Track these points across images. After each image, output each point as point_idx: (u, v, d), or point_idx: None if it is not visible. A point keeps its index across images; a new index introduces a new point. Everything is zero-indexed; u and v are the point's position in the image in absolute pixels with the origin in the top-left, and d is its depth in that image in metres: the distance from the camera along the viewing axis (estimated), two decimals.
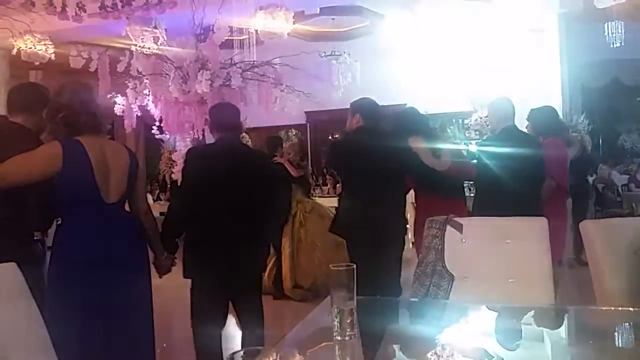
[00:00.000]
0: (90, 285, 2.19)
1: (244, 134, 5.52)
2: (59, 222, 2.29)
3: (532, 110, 4.08)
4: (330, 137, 11.88)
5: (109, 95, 5.42)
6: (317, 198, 6.17)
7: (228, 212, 2.67)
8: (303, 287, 5.11)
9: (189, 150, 3.00)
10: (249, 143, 7.10)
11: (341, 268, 1.25)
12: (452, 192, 3.69)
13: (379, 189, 3.11)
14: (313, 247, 5.15)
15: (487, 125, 7.33)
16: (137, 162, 2.46)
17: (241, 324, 2.91)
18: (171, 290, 3.10)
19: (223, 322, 2.81)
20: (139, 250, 2.44)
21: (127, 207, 2.48)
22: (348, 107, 3.40)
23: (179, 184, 3.40)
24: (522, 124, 3.94)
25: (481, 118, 8.05)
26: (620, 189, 7.75)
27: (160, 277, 2.66)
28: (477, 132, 7.88)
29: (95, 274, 2.20)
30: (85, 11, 4.99)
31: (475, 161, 3.70)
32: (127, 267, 2.32)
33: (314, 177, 8.67)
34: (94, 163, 2.24)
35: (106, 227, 2.29)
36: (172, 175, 6.57)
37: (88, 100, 2.35)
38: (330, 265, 1.28)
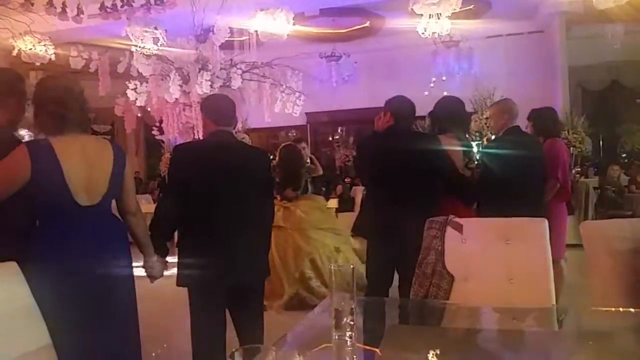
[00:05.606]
0: (63, 292, 2.02)
1: (244, 135, 5.47)
2: (37, 224, 2.17)
3: (532, 110, 4.09)
4: (330, 138, 11.93)
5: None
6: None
7: (220, 213, 2.48)
8: None
9: (175, 147, 2.80)
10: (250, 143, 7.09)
11: (341, 268, 1.25)
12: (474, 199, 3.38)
13: (405, 193, 2.92)
14: None
15: (487, 127, 7.34)
16: (123, 159, 2.32)
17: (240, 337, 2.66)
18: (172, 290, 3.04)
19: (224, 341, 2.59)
20: (121, 255, 2.28)
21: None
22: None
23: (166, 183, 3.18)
24: (522, 125, 3.93)
25: (481, 119, 8.05)
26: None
27: (152, 281, 2.55)
28: (477, 134, 7.88)
29: (67, 281, 2.06)
30: (84, 12, 5.00)
31: (479, 162, 3.66)
32: (105, 274, 2.16)
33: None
34: (68, 165, 2.12)
35: (81, 231, 2.15)
36: None
37: (78, 96, 2.21)
38: (331, 265, 1.28)
